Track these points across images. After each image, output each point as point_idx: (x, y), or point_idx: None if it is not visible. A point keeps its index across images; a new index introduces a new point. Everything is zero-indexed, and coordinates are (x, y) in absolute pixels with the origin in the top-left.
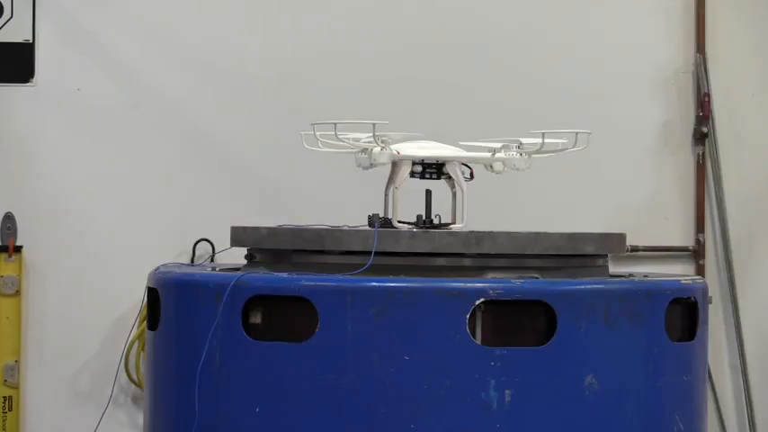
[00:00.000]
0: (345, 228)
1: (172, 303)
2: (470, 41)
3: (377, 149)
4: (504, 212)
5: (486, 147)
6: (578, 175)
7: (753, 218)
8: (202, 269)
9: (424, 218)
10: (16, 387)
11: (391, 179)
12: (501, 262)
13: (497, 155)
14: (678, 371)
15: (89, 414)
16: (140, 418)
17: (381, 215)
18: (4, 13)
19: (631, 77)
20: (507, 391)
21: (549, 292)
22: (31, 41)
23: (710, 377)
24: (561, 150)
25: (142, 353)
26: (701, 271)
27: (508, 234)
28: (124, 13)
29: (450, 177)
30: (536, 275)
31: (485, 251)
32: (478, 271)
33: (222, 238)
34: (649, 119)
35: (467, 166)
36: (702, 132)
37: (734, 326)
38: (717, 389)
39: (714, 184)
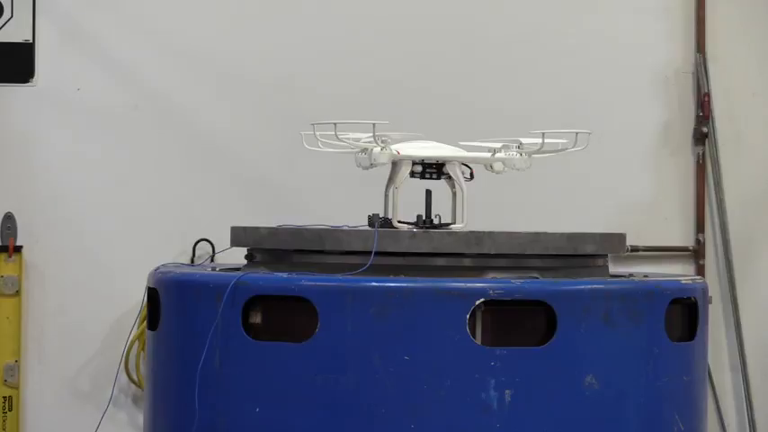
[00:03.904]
0: (345, 228)
1: (172, 303)
2: (471, 42)
3: (377, 149)
4: (504, 212)
5: (486, 147)
6: (578, 175)
7: (753, 218)
8: (202, 269)
9: (424, 218)
10: (16, 387)
11: (391, 179)
12: (501, 262)
13: (497, 155)
14: (678, 371)
15: (89, 414)
16: (140, 418)
17: (381, 215)
18: (4, 13)
19: (631, 77)
20: (507, 391)
21: (549, 292)
22: (31, 41)
23: (710, 377)
24: (561, 150)
25: (142, 353)
26: (701, 271)
27: (508, 234)
28: (124, 13)
29: (450, 177)
30: (536, 275)
31: (485, 251)
32: (478, 271)
33: (222, 238)
34: (649, 119)
35: (467, 166)
36: (702, 132)
37: (734, 326)
38: (717, 389)
39: (714, 184)
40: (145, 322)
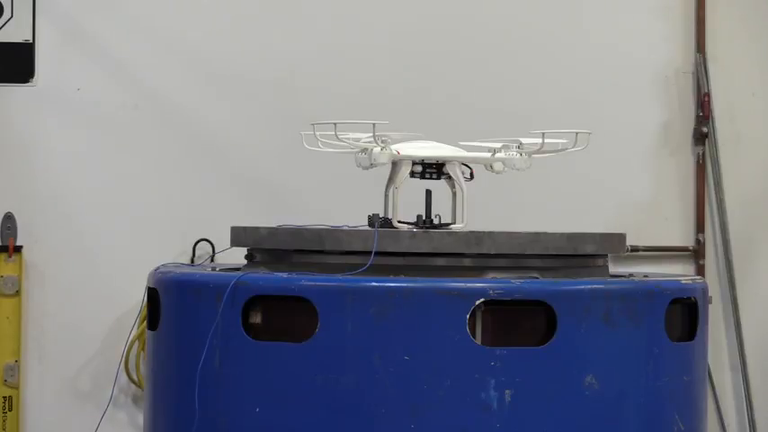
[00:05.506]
0: (345, 228)
1: (172, 303)
2: (471, 43)
3: (377, 149)
4: (504, 212)
5: (486, 147)
6: (578, 175)
7: (753, 218)
8: (202, 269)
9: (424, 218)
10: (16, 387)
11: (391, 179)
12: (501, 262)
13: (497, 155)
14: (678, 371)
15: (89, 414)
16: (140, 418)
17: (381, 215)
18: (4, 13)
19: (631, 77)
20: (507, 391)
21: (549, 292)
22: (31, 41)
23: (710, 377)
24: (561, 150)
25: (142, 353)
26: (701, 271)
27: (508, 234)
28: (124, 13)
29: (450, 177)
30: (536, 275)
31: (485, 251)
32: (478, 271)
33: (222, 238)
34: (649, 119)
35: (467, 166)
36: (702, 132)
37: (734, 326)
38: (717, 389)
39: (714, 184)
40: (145, 322)
